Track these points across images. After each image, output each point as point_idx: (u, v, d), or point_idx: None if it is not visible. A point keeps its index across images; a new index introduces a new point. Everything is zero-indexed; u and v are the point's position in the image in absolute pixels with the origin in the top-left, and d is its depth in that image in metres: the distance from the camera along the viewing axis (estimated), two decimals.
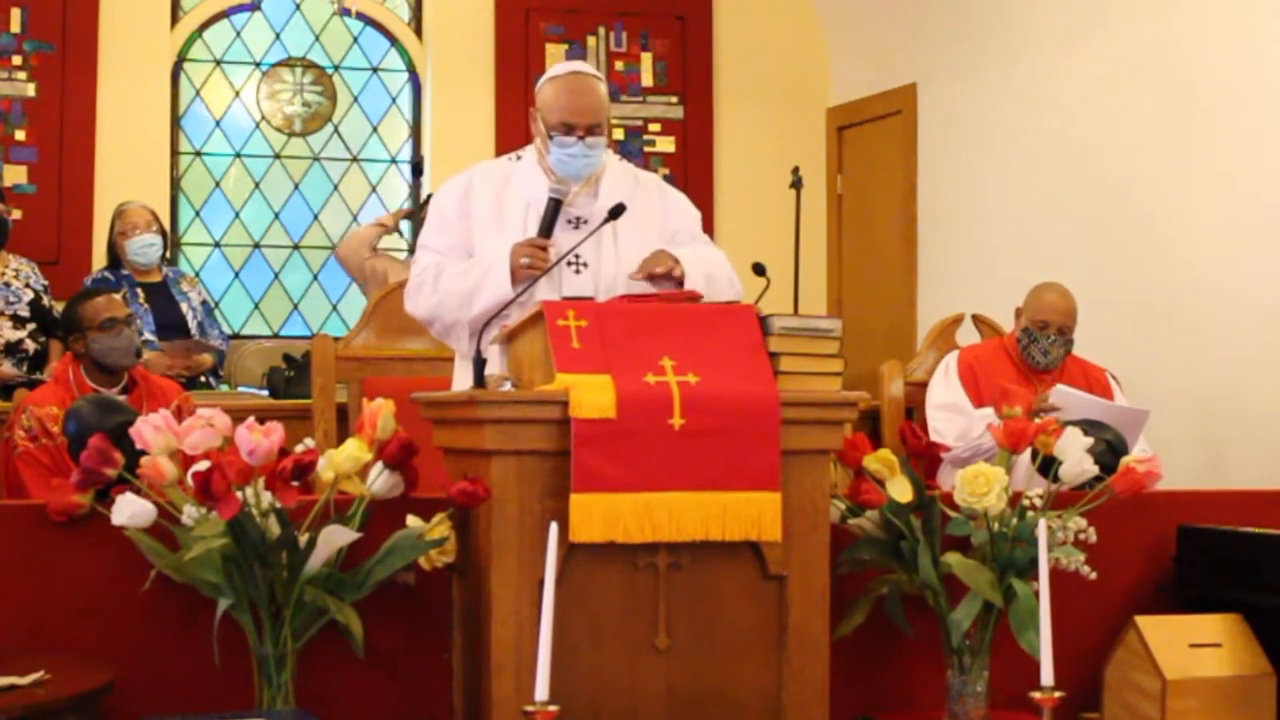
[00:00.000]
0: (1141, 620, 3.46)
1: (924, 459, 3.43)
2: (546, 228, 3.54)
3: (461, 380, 3.65)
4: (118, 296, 4.54)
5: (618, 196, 3.55)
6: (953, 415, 4.63)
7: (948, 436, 4.54)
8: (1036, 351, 4.70)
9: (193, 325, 5.78)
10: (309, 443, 2.98)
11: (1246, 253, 5.47)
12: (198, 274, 6.98)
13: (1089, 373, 4.83)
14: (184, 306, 5.82)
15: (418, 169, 7.11)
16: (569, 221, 3.60)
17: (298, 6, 7.47)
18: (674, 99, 7.71)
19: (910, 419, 4.77)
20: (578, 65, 3.69)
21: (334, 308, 7.47)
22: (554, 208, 3.54)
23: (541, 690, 2.57)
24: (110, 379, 4.34)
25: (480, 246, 3.61)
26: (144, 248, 5.79)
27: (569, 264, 3.56)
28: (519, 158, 3.71)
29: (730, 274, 3.63)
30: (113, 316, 4.32)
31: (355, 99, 7.53)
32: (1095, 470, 3.34)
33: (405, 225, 6.73)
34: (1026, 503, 3.29)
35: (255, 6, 7.42)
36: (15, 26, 6.82)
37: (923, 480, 3.34)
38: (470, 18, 7.49)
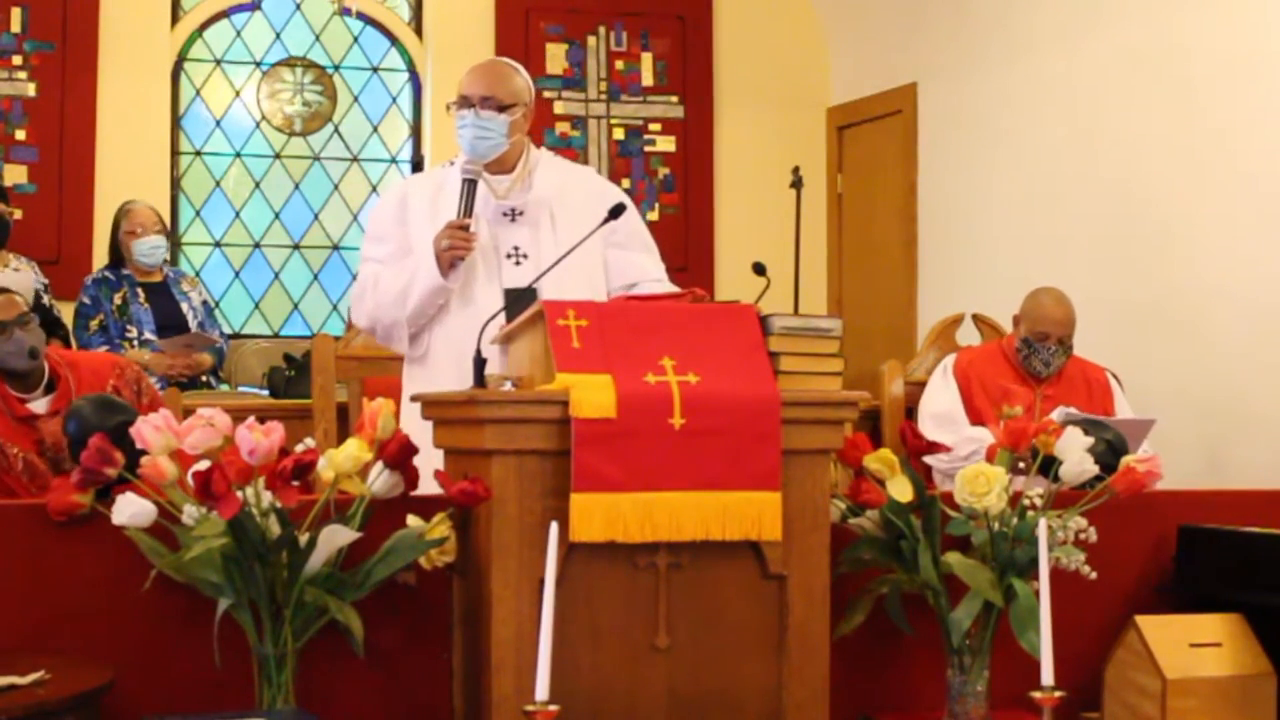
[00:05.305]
0: (1141, 620, 3.46)
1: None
2: (465, 208, 3.60)
3: (410, 384, 3.67)
4: (18, 298, 4.09)
5: (550, 187, 3.69)
6: (945, 428, 4.58)
7: None
8: (1038, 362, 4.69)
9: (193, 325, 5.78)
10: (309, 442, 2.97)
11: (1247, 252, 5.47)
12: (198, 274, 6.98)
13: (1089, 374, 4.82)
14: (184, 306, 5.83)
15: (418, 169, 7.11)
16: (505, 214, 3.70)
17: (298, 6, 7.47)
18: (674, 99, 7.71)
19: (910, 419, 4.77)
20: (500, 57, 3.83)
21: (334, 307, 7.47)
22: (468, 188, 3.61)
23: (542, 690, 2.57)
24: (24, 382, 3.97)
25: (419, 249, 3.67)
26: (152, 249, 5.80)
27: (508, 256, 3.65)
28: (452, 163, 3.80)
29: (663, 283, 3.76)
30: (0, 320, 3.93)
31: (355, 99, 7.53)
32: (1095, 470, 3.34)
33: None
34: (1026, 502, 3.29)
35: (255, 6, 7.42)
36: (15, 26, 6.82)
37: (922, 480, 3.35)
38: (470, 18, 7.49)
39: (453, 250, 3.55)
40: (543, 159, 3.79)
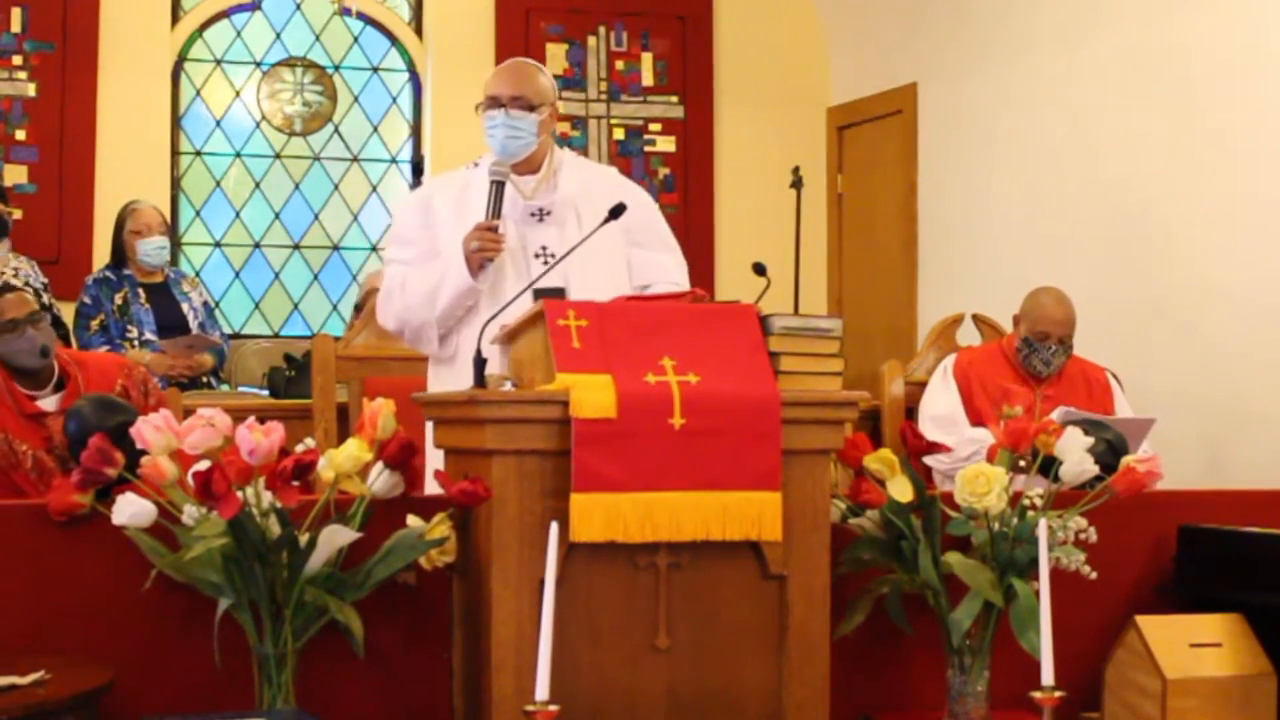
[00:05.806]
0: (1142, 620, 3.46)
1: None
2: (494, 210, 3.61)
3: (436, 384, 3.70)
4: (29, 295, 4.18)
5: (575, 186, 3.71)
6: (945, 430, 4.58)
7: None
8: (1038, 362, 4.70)
9: (193, 326, 5.79)
10: (309, 442, 2.98)
11: (1247, 252, 5.47)
12: (198, 274, 6.98)
13: (1089, 374, 4.82)
14: (185, 307, 5.83)
15: (418, 169, 7.11)
16: (532, 214, 3.72)
17: (298, 6, 7.47)
18: (674, 99, 7.71)
19: (910, 419, 4.77)
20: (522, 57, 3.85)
21: (334, 307, 7.47)
22: (496, 190, 3.63)
23: (542, 690, 2.57)
24: (34, 379, 4.00)
25: (446, 250, 3.68)
26: (157, 249, 5.81)
27: (536, 256, 3.67)
28: (476, 164, 3.80)
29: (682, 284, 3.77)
30: (13, 318, 3.98)
31: (355, 99, 7.53)
32: (1095, 470, 3.34)
33: None
34: (1026, 502, 3.29)
35: (255, 6, 7.41)
36: (15, 26, 6.82)
37: (922, 480, 3.35)
38: (470, 18, 7.49)
39: (482, 251, 3.57)
40: (566, 159, 3.82)
